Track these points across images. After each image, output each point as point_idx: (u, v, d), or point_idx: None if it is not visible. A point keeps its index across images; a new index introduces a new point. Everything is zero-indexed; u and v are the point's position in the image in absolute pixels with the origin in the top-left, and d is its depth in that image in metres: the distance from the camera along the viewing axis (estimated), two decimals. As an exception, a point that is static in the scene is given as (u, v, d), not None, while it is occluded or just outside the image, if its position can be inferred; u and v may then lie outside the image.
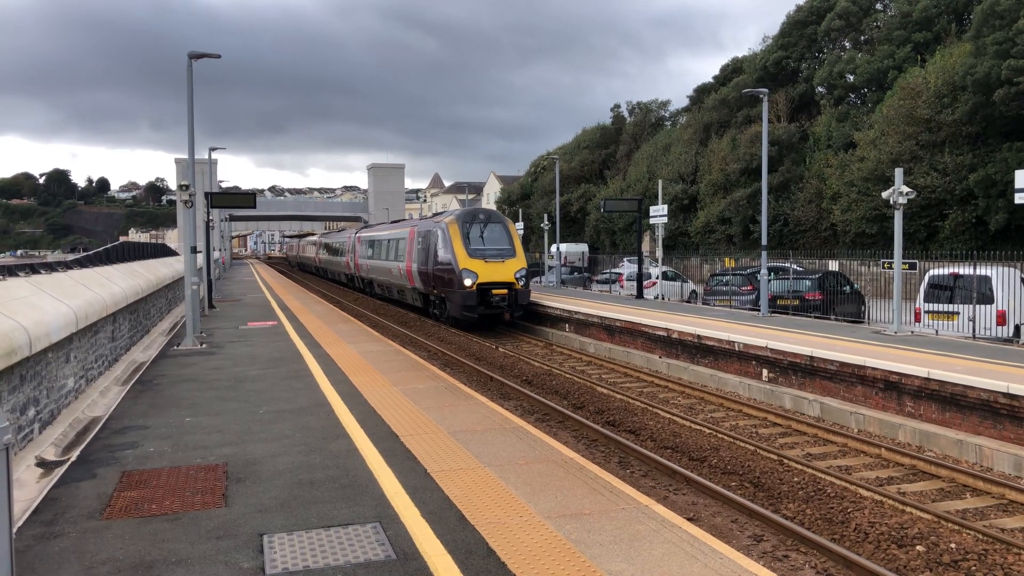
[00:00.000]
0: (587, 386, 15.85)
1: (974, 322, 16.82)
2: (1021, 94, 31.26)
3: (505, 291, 24.18)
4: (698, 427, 12.56)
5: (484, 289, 24.11)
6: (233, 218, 72.79)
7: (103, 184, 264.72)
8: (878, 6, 47.11)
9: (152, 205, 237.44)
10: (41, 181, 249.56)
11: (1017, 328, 16.81)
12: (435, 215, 32.15)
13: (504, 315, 24.65)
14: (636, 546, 5.76)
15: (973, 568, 7.18)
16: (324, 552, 5.74)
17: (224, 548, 5.84)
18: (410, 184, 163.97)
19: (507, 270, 24.58)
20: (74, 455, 8.53)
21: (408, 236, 30.12)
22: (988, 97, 32.18)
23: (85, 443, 9.05)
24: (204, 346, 17.28)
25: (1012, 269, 17.46)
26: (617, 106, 71.85)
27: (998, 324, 16.91)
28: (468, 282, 24.07)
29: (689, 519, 7.85)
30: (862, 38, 46.79)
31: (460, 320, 24.97)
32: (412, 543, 5.86)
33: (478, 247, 24.90)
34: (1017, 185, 16.68)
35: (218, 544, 5.92)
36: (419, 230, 28.79)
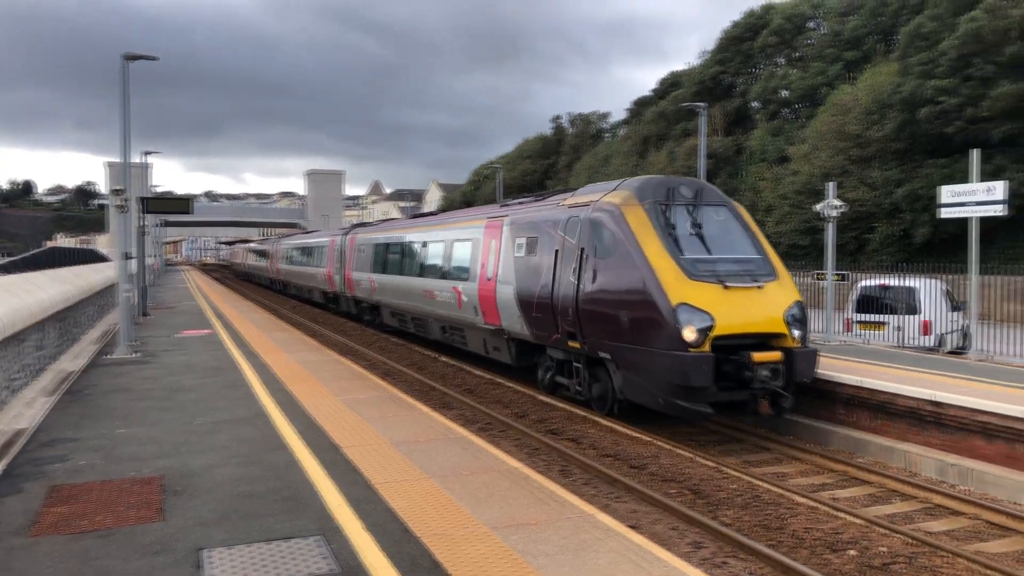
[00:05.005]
0: (528, 395, 15.90)
1: (901, 332, 17.42)
2: (944, 113, 32.59)
3: (777, 355, 11.55)
4: (637, 435, 12.69)
5: (725, 346, 11.54)
6: (168, 224, 71.02)
7: (28, 186, 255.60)
8: (811, 24, 48.58)
9: (81, 209, 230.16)
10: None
11: (941, 338, 17.46)
12: (547, 195, 16.74)
13: (760, 406, 11.62)
14: (582, 555, 5.80)
15: (903, 571, 7.42)
16: (266, 566, 5.63)
17: (160, 564, 5.69)
18: (350, 191, 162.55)
19: (769, 305, 11.99)
20: (-1, 469, 8.20)
21: (481, 237, 17.69)
22: (913, 115, 33.46)
23: (9, 457, 8.71)
24: (138, 355, 16.82)
25: (935, 281, 18.16)
26: (558, 117, 72.69)
27: (923, 334, 17.54)
28: (690, 333, 11.26)
29: (631, 527, 7.93)
30: (796, 55, 48.17)
31: (655, 410, 12.21)
32: (356, 556, 5.79)
33: (699, 255, 12.30)
34: (939, 200, 17.38)
35: (154, 560, 5.76)
36: (517, 223, 16.09)
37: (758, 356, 11.43)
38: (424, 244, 21.76)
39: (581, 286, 13.15)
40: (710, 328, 11.39)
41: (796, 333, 11.96)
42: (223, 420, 10.40)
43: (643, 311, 11.84)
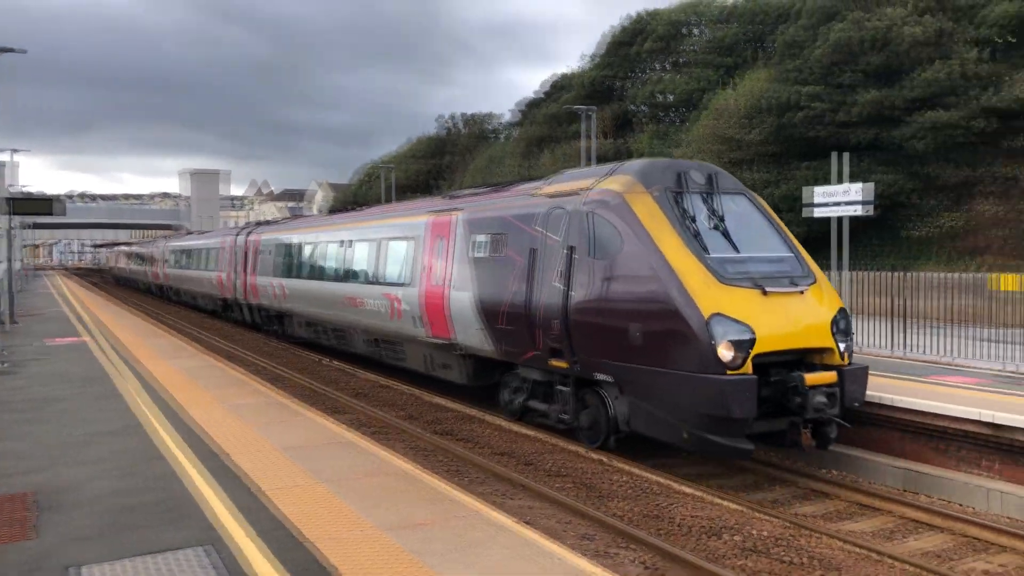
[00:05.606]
0: (423, 398, 15.85)
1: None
2: (815, 118, 34.40)
3: (832, 376, 9.83)
4: (529, 432, 12.86)
5: (764, 364, 9.65)
6: (37, 226, 66.96)
7: None
8: (695, 31, 50.33)
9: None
10: None
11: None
12: (510, 184, 14.93)
13: (803, 437, 10.03)
14: (474, 552, 5.85)
15: (781, 552, 7.81)
16: (147, 581, 5.43)
17: (32, 584, 5.40)
18: (235, 191, 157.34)
19: (813, 314, 10.17)
20: None
21: (423, 234, 15.31)
22: (786, 119, 35.18)
23: None
24: (4, 365, 15.83)
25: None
26: (448, 116, 72.76)
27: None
28: (727, 351, 9.29)
29: (524, 523, 8.04)
30: (679, 60, 49.80)
31: (675, 446, 10.65)
32: (244, 565, 5.66)
33: (726, 254, 10.34)
34: (804, 200, 18.41)
35: (25, 580, 5.46)
36: (475, 218, 13.85)
37: (811, 378, 9.54)
38: (348, 244, 18.78)
39: (572, 292, 10.98)
40: (751, 343, 9.34)
41: (842, 347, 10.12)
42: (98, 431, 9.92)
43: (664, 323, 9.70)
